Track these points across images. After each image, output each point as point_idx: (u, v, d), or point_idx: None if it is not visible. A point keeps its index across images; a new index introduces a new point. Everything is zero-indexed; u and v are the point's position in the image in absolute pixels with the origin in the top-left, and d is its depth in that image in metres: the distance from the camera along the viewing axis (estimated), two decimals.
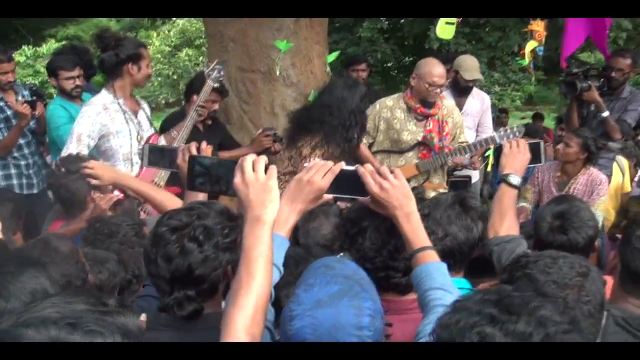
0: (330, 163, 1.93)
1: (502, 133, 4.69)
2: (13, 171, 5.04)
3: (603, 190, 4.69)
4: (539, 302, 1.39)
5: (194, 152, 2.50)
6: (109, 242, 2.95)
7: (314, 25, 5.20)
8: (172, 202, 2.61)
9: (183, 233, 1.84)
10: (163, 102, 24.10)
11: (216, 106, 4.75)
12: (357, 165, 1.95)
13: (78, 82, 4.99)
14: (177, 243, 1.84)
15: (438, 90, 4.57)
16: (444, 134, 4.75)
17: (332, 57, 5.46)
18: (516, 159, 2.61)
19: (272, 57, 4.99)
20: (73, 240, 3.21)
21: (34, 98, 4.85)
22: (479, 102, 5.80)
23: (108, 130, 4.04)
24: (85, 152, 3.91)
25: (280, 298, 1.88)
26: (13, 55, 5.22)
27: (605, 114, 5.29)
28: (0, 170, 5.02)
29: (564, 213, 2.76)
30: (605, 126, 5.32)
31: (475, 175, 5.86)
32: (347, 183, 1.93)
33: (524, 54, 6.27)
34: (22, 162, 5.06)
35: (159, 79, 23.28)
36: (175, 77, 23.45)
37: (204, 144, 2.56)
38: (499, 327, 1.31)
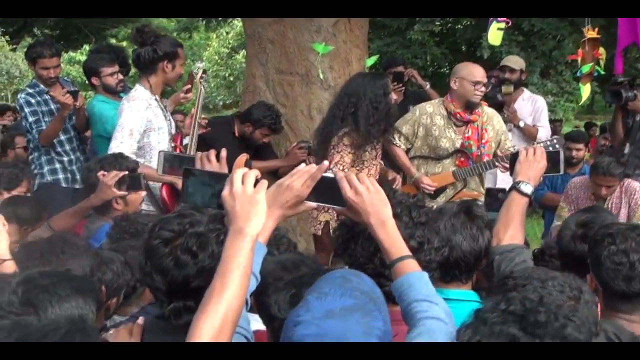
0: (313, 168, 1.85)
1: (540, 144, 4.60)
2: (58, 166, 5.04)
3: None
4: (563, 321, 1.37)
5: (213, 159, 2.42)
6: (133, 241, 2.95)
7: (353, 29, 5.19)
8: None
9: (176, 245, 1.79)
10: (220, 103, 24.46)
11: (267, 139, 4.90)
12: (335, 170, 1.92)
13: (121, 76, 5.01)
14: (170, 256, 1.78)
15: (483, 88, 4.59)
16: (484, 141, 4.68)
17: (371, 60, 5.45)
18: (531, 167, 2.49)
19: (310, 60, 5.02)
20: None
21: (76, 89, 4.89)
22: (531, 104, 5.79)
23: (151, 125, 3.99)
24: (135, 147, 3.90)
25: (269, 304, 1.87)
26: (73, 53, 5.34)
27: None
28: (46, 165, 5.03)
29: (589, 222, 2.66)
30: None
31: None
32: (329, 190, 1.87)
33: (579, 57, 5.99)
34: (65, 159, 5.07)
35: (217, 80, 23.64)
36: (231, 78, 23.71)
37: (223, 152, 2.47)
38: None
